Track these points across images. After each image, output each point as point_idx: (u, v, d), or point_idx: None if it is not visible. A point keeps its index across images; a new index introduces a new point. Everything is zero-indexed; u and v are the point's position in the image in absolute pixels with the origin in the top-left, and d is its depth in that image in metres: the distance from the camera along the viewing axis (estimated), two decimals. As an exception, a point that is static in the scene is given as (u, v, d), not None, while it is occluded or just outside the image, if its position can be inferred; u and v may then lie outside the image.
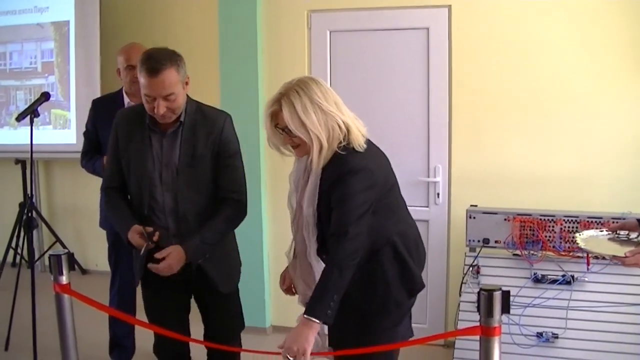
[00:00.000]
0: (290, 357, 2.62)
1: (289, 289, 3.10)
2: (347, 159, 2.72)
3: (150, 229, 3.15)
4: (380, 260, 2.83)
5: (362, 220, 2.72)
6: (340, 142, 2.73)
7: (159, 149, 3.20)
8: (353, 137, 2.76)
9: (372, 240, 2.79)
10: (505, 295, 2.37)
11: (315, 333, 2.67)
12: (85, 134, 4.57)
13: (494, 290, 2.36)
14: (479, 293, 2.40)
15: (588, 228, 4.07)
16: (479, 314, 2.41)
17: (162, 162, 3.19)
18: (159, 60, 3.01)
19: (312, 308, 2.66)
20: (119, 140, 3.26)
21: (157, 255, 3.11)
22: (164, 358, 3.56)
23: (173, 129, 3.20)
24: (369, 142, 2.85)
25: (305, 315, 2.66)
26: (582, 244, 2.95)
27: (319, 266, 2.85)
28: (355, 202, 2.70)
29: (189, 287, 3.41)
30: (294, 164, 3.00)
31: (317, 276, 2.81)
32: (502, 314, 2.38)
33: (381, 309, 2.86)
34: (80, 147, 4.60)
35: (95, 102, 4.67)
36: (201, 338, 3.50)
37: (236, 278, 3.54)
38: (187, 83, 3.20)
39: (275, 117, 2.75)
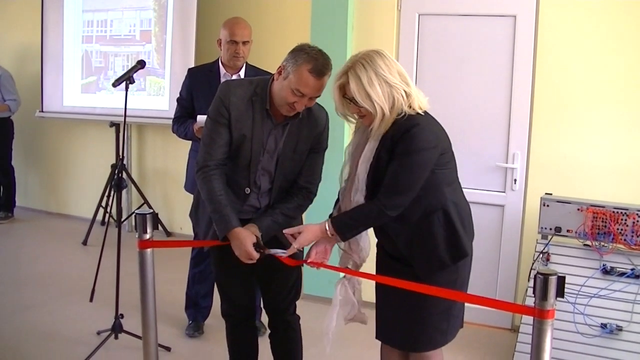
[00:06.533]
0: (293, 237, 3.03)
1: (312, 263, 3.15)
2: (411, 119, 2.86)
3: (263, 251, 3.14)
4: (431, 222, 2.96)
5: (419, 179, 2.89)
6: (401, 111, 2.86)
7: (266, 135, 3.27)
8: (414, 103, 2.90)
9: (427, 202, 2.94)
10: (561, 280, 2.43)
11: (318, 237, 3.04)
12: (178, 100, 4.71)
13: (550, 274, 2.43)
14: (535, 277, 2.48)
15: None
16: (534, 296, 2.49)
17: (265, 148, 3.29)
18: (325, 64, 3.06)
19: (339, 220, 2.99)
20: (230, 114, 3.21)
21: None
22: (232, 321, 3.69)
23: (285, 122, 3.26)
24: (427, 114, 2.97)
25: (330, 219, 2.98)
26: None
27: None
28: (417, 159, 2.86)
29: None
30: (352, 137, 3.13)
31: (362, 240, 3.11)
32: (556, 298, 2.46)
33: (426, 266, 2.99)
34: (172, 114, 4.75)
35: (192, 71, 4.78)
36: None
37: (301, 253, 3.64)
38: None
39: (342, 89, 2.93)
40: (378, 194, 2.91)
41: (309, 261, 3.12)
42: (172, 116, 4.73)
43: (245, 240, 3.09)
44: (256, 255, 3.10)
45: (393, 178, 2.87)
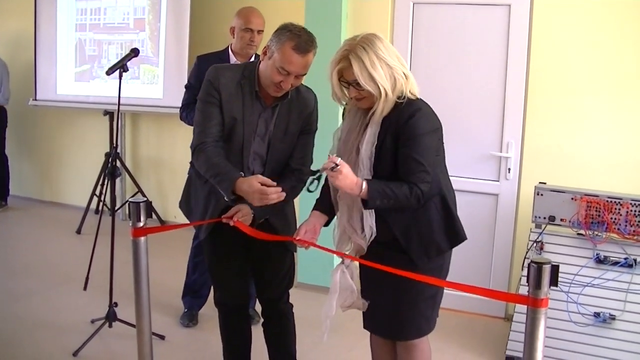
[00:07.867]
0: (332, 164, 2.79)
1: (301, 240, 3.11)
2: (413, 103, 2.89)
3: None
4: (428, 208, 2.97)
5: (435, 160, 2.92)
6: (401, 93, 2.87)
7: (257, 119, 3.28)
8: (411, 86, 2.92)
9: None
10: (554, 269, 2.43)
11: (352, 190, 2.82)
12: (187, 87, 4.70)
13: (544, 263, 2.43)
14: (529, 266, 2.48)
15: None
16: (528, 285, 2.49)
17: (255, 132, 3.29)
18: (309, 41, 3.08)
19: (375, 184, 2.85)
20: (221, 95, 3.23)
21: (225, 217, 3.21)
22: (226, 310, 3.69)
23: (274, 104, 3.28)
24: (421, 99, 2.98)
25: (366, 180, 2.84)
26: None
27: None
28: (428, 142, 2.88)
29: (248, 250, 3.51)
30: (344, 121, 3.11)
31: (365, 220, 2.98)
32: (549, 287, 2.46)
33: (422, 252, 2.99)
34: (167, 102, 4.73)
35: (202, 58, 4.74)
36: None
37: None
38: None
39: (340, 73, 2.91)
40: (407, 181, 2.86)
41: (297, 238, 3.09)
42: (168, 105, 4.70)
43: (255, 180, 3.05)
44: (272, 189, 3.03)
45: (415, 165, 2.85)
